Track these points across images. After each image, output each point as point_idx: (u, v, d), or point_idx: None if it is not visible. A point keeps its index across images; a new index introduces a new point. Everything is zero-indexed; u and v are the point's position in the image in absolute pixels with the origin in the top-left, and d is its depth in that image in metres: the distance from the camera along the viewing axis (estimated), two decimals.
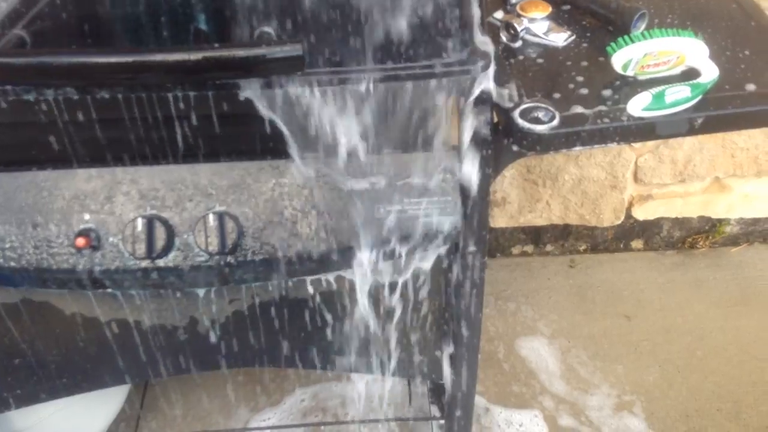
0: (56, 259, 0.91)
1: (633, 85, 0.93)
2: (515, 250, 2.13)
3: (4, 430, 1.23)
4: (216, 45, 0.74)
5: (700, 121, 0.91)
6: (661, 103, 0.89)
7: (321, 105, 0.85)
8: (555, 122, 0.87)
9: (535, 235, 2.09)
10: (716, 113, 0.91)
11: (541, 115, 0.88)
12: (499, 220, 2.02)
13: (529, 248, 2.13)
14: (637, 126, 0.89)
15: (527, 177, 1.92)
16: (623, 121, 0.88)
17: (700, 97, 0.91)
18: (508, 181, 1.92)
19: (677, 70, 0.95)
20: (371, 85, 0.83)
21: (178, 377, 1.67)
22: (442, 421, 1.45)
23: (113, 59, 0.73)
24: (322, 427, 1.64)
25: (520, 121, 0.87)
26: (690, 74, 0.94)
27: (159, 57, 0.73)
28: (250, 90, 0.80)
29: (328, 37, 0.80)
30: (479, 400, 1.70)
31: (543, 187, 1.94)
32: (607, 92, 0.93)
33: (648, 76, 0.94)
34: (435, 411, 1.62)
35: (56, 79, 0.77)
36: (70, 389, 1.15)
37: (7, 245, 0.91)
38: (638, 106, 0.89)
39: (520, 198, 1.97)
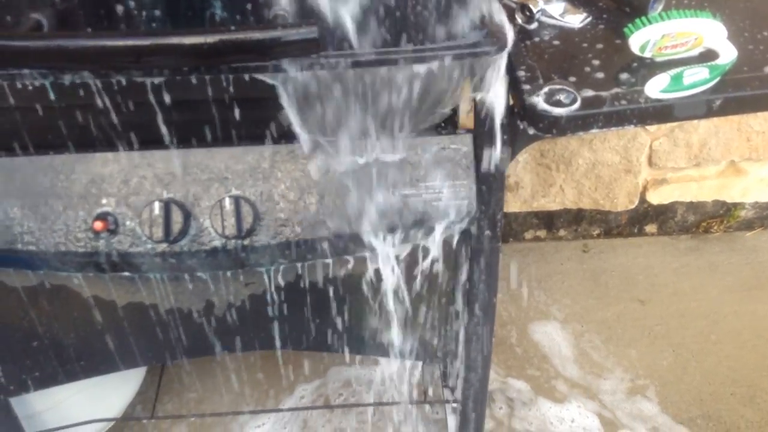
0: (74, 243, 0.92)
1: (650, 67, 0.92)
2: (528, 235, 2.12)
3: (23, 413, 1.24)
4: (232, 28, 0.74)
5: (718, 102, 0.90)
6: (679, 84, 0.88)
7: (336, 88, 0.84)
8: (576, 105, 0.86)
9: (548, 220, 2.09)
10: (734, 95, 0.90)
11: (562, 97, 0.87)
12: (512, 204, 2.01)
13: (542, 233, 2.12)
14: (654, 108, 0.88)
15: (541, 161, 1.91)
16: (641, 104, 0.87)
17: (718, 79, 0.90)
18: (522, 165, 1.92)
19: (695, 52, 0.94)
20: (386, 68, 0.83)
21: (194, 360, 1.69)
22: (456, 404, 1.45)
23: (129, 42, 0.72)
24: (336, 411, 1.65)
25: (541, 104, 0.87)
26: (708, 56, 0.93)
27: (175, 40, 0.72)
28: (265, 73, 0.80)
29: (342, 19, 0.79)
30: (523, 387, 1.70)
31: (556, 172, 1.93)
32: (624, 74, 0.92)
33: (666, 58, 0.93)
34: (448, 394, 1.62)
35: (72, 63, 0.77)
36: (87, 372, 1.16)
37: (26, 229, 0.92)
38: (656, 88, 0.88)
39: (533, 182, 1.96)
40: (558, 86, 0.89)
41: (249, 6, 0.79)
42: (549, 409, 1.64)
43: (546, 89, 0.88)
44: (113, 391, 1.44)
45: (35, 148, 0.92)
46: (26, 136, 0.91)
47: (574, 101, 0.87)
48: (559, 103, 0.87)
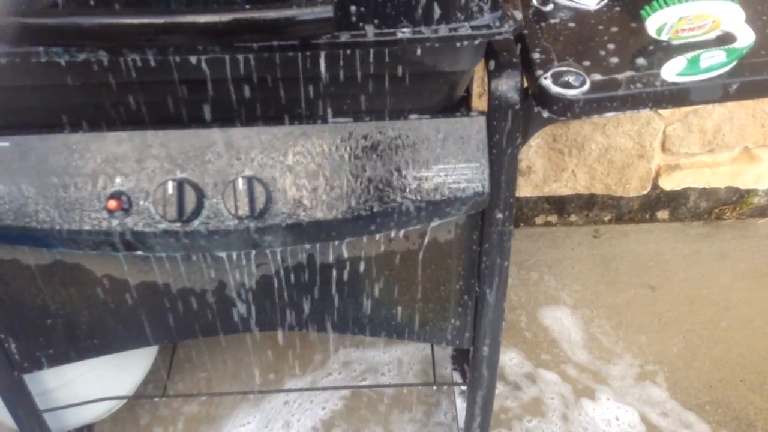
0: (88, 222, 0.92)
1: (667, 50, 0.91)
2: (539, 220, 2.12)
3: (36, 390, 1.26)
4: (246, 6, 0.73)
5: (734, 86, 0.89)
6: (696, 68, 0.87)
7: (348, 67, 0.84)
8: (586, 87, 0.86)
9: (560, 205, 2.08)
10: (751, 79, 0.89)
11: (571, 79, 0.86)
12: (524, 189, 2.01)
13: (553, 218, 2.11)
14: (670, 91, 0.87)
15: (553, 146, 1.90)
16: (656, 86, 0.87)
17: (735, 63, 0.89)
18: (534, 150, 1.91)
19: (712, 35, 0.93)
20: (399, 48, 0.82)
21: (205, 340, 1.70)
22: (464, 387, 1.46)
23: (144, 20, 0.73)
24: (344, 392, 1.66)
25: (551, 86, 0.86)
26: (725, 39, 0.92)
27: (189, 18, 0.73)
28: (280, 52, 0.80)
29: None
30: (558, 380, 1.69)
31: (569, 156, 1.92)
32: (640, 57, 0.91)
33: (682, 41, 0.92)
34: (457, 377, 1.63)
35: (86, 40, 0.77)
36: (99, 350, 1.17)
37: (40, 207, 0.92)
38: (672, 71, 0.87)
39: (545, 167, 1.95)
40: (565, 68, 0.88)
41: None
42: (593, 410, 1.63)
43: (552, 71, 0.88)
44: (125, 370, 1.46)
45: (49, 126, 0.92)
46: (40, 114, 0.91)
47: (583, 83, 0.86)
48: (567, 85, 0.86)
